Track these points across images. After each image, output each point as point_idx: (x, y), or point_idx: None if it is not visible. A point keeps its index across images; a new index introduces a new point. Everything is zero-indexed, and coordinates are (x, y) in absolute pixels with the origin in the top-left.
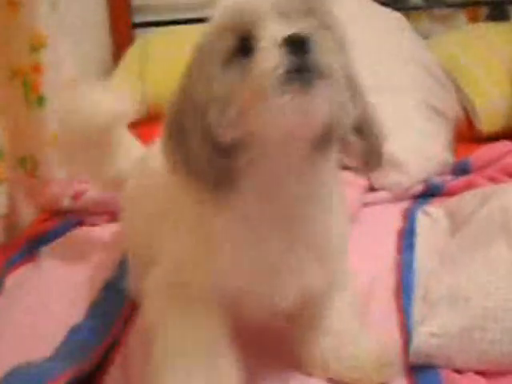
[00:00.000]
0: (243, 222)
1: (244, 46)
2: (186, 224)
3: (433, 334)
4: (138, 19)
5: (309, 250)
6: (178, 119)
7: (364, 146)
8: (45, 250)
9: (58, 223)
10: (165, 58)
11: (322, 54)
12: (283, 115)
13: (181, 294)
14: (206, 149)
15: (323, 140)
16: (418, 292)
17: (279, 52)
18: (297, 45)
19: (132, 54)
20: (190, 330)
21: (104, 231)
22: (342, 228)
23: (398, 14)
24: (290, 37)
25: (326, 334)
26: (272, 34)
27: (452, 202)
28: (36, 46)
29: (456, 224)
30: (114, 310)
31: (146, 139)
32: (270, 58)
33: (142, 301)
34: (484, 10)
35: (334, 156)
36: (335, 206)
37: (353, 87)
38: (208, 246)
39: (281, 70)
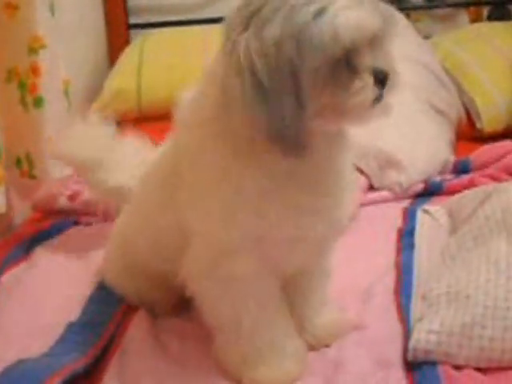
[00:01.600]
0: (270, 177)
1: (346, 59)
2: (212, 184)
3: (432, 331)
4: (133, 20)
5: (328, 199)
6: (265, 72)
7: None
8: (40, 248)
9: (54, 222)
10: (161, 59)
11: (394, 82)
12: (356, 121)
13: (225, 264)
14: (293, 115)
15: None
16: (417, 290)
17: (372, 86)
18: (382, 79)
19: (128, 54)
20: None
21: (100, 230)
22: (350, 180)
23: (398, 14)
24: (379, 71)
25: (306, 305)
26: (367, 64)
27: (453, 200)
28: (34, 48)
29: (457, 222)
30: (111, 306)
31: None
32: (366, 91)
33: (188, 281)
34: (485, 10)
35: None
36: (347, 163)
37: None
38: (235, 199)
39: (370, 100)
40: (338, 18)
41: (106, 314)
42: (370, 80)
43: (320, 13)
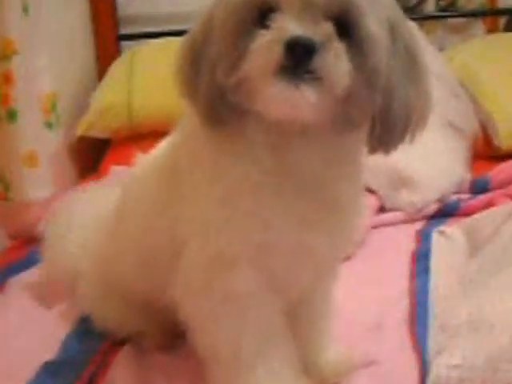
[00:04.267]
0: (260, 173)
1: (262, 19)
2: (203, 184)
3: (454, 366)
4: (124, 31)
5: (325, 209)
6: (195, 49)
7: (379, 130)
8: (14, 280)
9: (29, 252)
10: (153, 72)
11: (321, 61)
12: (267, 102)
13: (220, 279)
14: (213, 89)
15: (331, 125)
16: (434, 319)
17: (279, 49)
18: (298, 48)
19: (118, 66)
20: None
21: None
22: (355, 194)
23: (411, 24)
24: (294, 39)
25: (310, 340)
26: (284, 26)
27: (470, 220)
28: (7, 54)
29: (475, 244)
30: (92, 344)
31: (131, 154)
32: (267, 52)
33: (181, 302)
34: (502, 20)
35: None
36: (351, 174)
37: (375, 84)
38: (229, 199)
39: (273, 66)
40: None
41: (86, 353)
42: (273, 40)
43: None
